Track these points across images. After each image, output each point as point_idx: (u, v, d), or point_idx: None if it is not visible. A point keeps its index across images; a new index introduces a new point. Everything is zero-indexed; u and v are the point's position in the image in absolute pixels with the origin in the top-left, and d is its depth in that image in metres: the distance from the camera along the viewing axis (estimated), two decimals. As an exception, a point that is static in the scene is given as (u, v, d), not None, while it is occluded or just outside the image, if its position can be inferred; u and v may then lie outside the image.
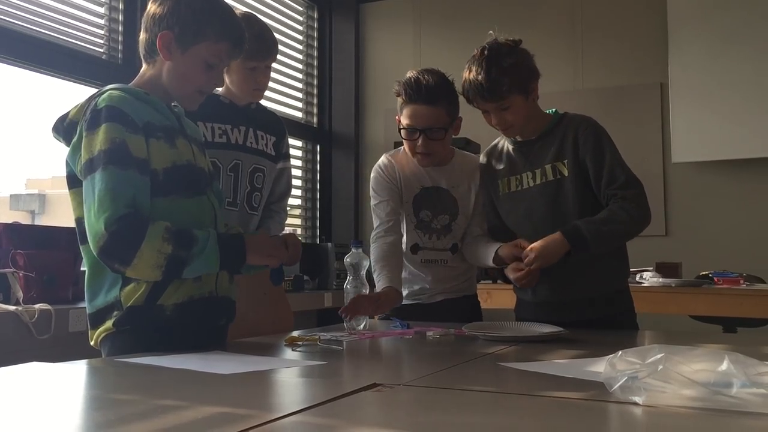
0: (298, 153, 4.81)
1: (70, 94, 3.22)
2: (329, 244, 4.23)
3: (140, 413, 0.98)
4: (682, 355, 0.98)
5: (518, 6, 4.59)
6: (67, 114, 1.66)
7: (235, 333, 1.87)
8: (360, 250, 2.18)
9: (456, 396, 1.11)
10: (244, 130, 2.25)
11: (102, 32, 3.23)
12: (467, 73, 2.03)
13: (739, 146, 3.98)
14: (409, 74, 2.18)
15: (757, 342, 1.97)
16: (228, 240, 1.62)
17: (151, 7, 1.69)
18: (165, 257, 1.51)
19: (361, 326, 1.99)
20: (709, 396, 0.94)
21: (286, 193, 2.48)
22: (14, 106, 3.15)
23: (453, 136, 2.26)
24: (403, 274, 2.22)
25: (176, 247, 1.52)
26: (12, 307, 2.23)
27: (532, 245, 1.99)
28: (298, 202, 4.80)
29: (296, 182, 4.75)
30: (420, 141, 2.16)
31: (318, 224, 4.87)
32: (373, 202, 2.27)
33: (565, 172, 2.05)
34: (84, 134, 1.56)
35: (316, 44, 4.97)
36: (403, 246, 2.26)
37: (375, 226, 2.23)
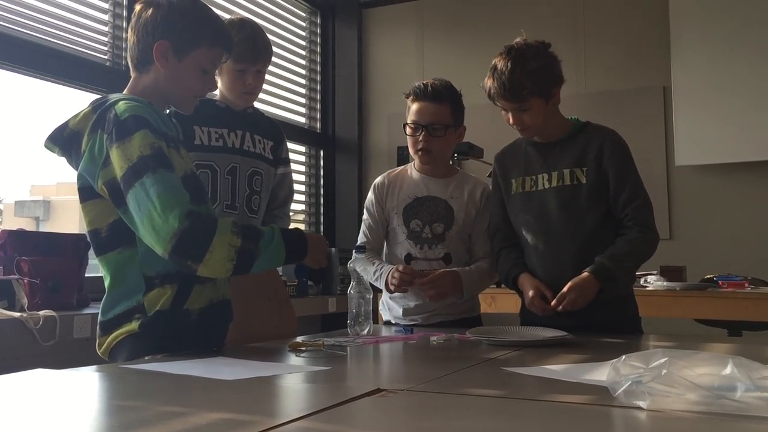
0: (302, 158, 4.81)
1: (74, 101, 3.24)
2: (333, 249, 4.23)
3: (144, 420, 0.98)
4: (685, 359, 0.98)
5: (520, 10, 4.59)
6: (66, 124, 1.64)
7: (240, 338, 1.88)
8: (363, 255, 2.19)
9: (460, 401, 1.11)
10: (240, 134, 2.25)
11: (106, 39, 3.24)
12: (491, 72, 2.05)
13: (742, 149, 3.98)
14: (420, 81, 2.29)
15: (762, 345, 1.97)
16: (292, 235, 1.66)
17: (142, 15, 1.68)
18: (236, 250, 1.50)
19: (365, 331, 1.99)
20: (713, 400, 0.94)
21: (289, 198, 2.49)
22: (19, 113, 3.16)
23: (456, 145, 2.30)
24: (397, 296, 2.25)
25: (245, 241, 1.52)
26: (17, 314, 2.23)
27: (569, 286, 1.97)
28: (302, 207, 4.80)
29: (300, 187, 4.77)
30: (422, 137, 2.22)
31: (322, 229, 4.88)
32: (363, 217, 2.39)
33: (583, 180, 2.06)
34: (114, 145, 1.53)
35: (319, 49, 4.98)
36: (398, 260, 2.29)
37: (358, 241, 2.34)
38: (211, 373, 1.32)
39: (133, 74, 1.73)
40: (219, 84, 2.20)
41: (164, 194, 1.48)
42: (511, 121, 2.09)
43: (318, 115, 4.96)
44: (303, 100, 4.84)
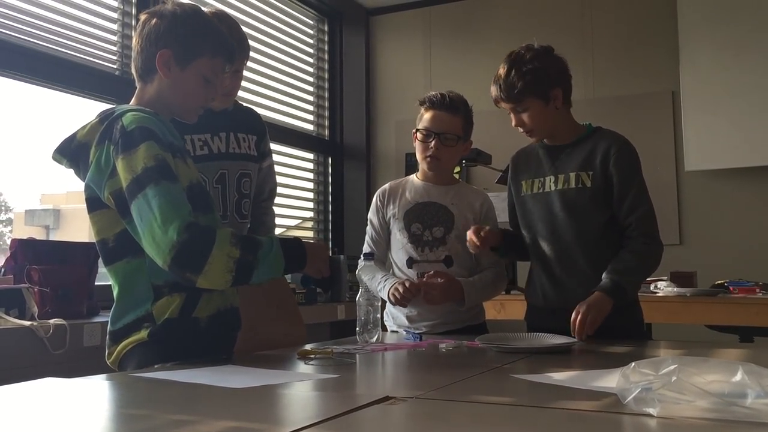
0: (310, 165, 4.83)
1: (84, 110, 3.26)
2: (341, 256, 4.23)
3: (154, 428, 0.98)
4: (695, 366, 0.97)
5: (528, 16, 4.59)
6: (74, 135, 1.65)
7: (248, 346, 1.88)
8: (372, 262, 2.19)
9: (469, 408, 1.10)
10: (224, 136, 2.16)
11: (115, 48, 3.26)
12: (495, 77, 2.10)
13: (752, 153, 3.96)
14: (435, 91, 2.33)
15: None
16: (291, 244, 1.66)
17: (146, 25, 1.70)
18: (234, 261, 1.51)
19: (374, 339, 1.99)
20: (724, 407, 0.93)
21: (275, 189, 2.43)
22: (29, 122, 3.18)
23: (461, 157, 2.32)
24: None
25: (244, 252, 1.53)
26: (27, 322, 2.24)
27: (586, 306, 1.94)
28: (310, 214, 4.81)
29: (308, 194, 4.78)
30: (433, 144, 2.26)
31: (330, 236, 4.89)
32: (367, 227, 2.41)
33: (588, 183, 2.07)
34: (120, 156, 1.55)
35: (326, 57, 5.00)
36: (400, 263, 2.31)
37: (364, 249, 2.36)
38: (220, 382, 1.32)
39: (138, 84, 1.74)
40: None
41: (165, 206, 1.49)
42: (514, 123, 2.12)
43: (326, 122, 4.97)
44: (311, 107, 4.86)
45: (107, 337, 1.66)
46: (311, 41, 4.88)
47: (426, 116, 2.28)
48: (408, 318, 2.29)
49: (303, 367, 1.56)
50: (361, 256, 2.22)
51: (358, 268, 2.25)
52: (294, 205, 4.61)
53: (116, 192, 1.56)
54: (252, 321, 1.85)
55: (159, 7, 1.75)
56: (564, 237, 2.09)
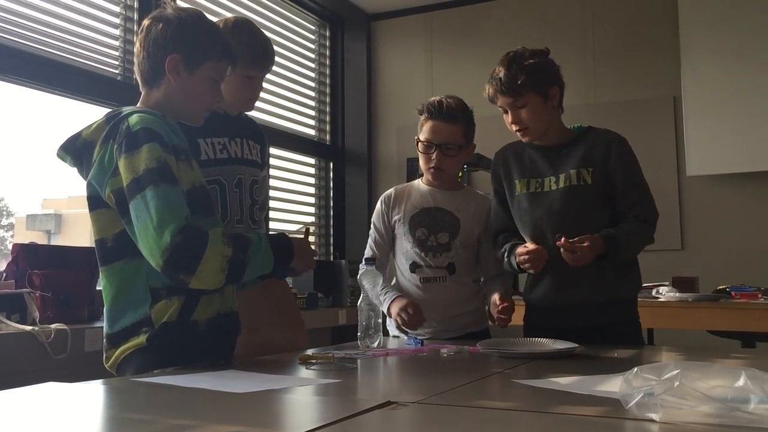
0: (311, 170, 4.83)
1: (86, 115, 3.27)
2: (343, 261, 4.23)
3: (155, 433, 0.98)
4: (698, 371, 0.97)
5: (530, 21, 4.60)
6: (79, 134, 1.67)
7: (250, 350, 1.88)
8: (373, 267, 2.19)
9: (471, 414, 1.10)
10: (239, 141, 2.16)
11: (117, 53, 3.27)
12: (491, 74, 2.11)
13: (754, 158, 3.96)
14: (433, 97, 2.30)
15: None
16: (278, 240, 1.68)
17: (152, 30, 1.70)
18: (227, 261, 1.53)
19: (375, 344, 1.99)
20: (727, 412, 0.93)
21: (267, 201, 2.42)
22: (30, 127, 3.19)
23: (465, 162, 2.30)
24: None
25: (236, 250, 1.55)
26: (28, 327, 2.24)
27: (588, 241, 1.98)
28: (312, 219, 4.81)
29: (309, 199, 4.78)
30: (435, 155, 2.25)
31: (332, 241, 4.89)
32: (370, 231, 2.40)
33: (589, 180, 2.08)
34: (122, 156, 1.56)
35: (328, 62, 5.00)
36: (404, 267, 2.30)
37: (365, 254, 2.34)
38: (220, 386, 1.32)
39: (143, 89, 1.75)
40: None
41: (162, 208, 1.51)
42: (509, 120, 2.11)
43: (327, 127, 4.97)
44: (312, 113, 4.86)
45: (104, 339, 1.66)
46: (313, 46, 4.89)
47: (426, 126, 2.27)
48: None
49: (304, 372, 1.56)
50: (363, 260, 2.22)
51: (359, 272, 2.25)
52: (295, 210, 4.62)
53: (117, 191, 1.58)
54: (255, 325, 1.84)
55: (161, 11, 1.75)
56: (570, 232, 2.07)
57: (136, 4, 3.35)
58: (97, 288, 2.71)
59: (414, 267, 2.28)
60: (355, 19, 5.03)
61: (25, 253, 2.57)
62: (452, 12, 4.86)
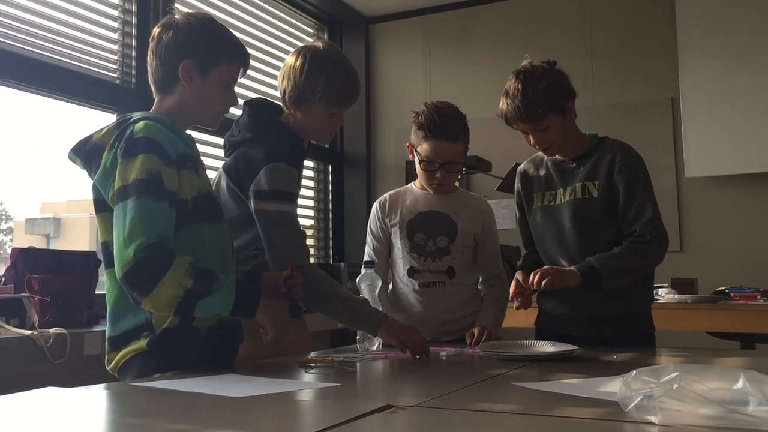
0: (310, 173, 4.83)
1: (84, 119, 3.27)
2: (342, 264, 4.23)
3: (154, 437, 0.98)
4: (697, 373, 0.97)
5: (528, 24, 4.61)
6: (90, 137, 1.68)
7: (252, 353, 1.88)
8: (372, 270, 2.19)
9: (470, 417, 1.10)
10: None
11: (115, 57, 3.27)
12: (504, 98, 2.06)
13: (752, 160, 3.96)
14: (427, 107, 2.21)
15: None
16: (248, 289, 1.62)
17: (162, 37, 1.71)
18: (185, 291, 1.51)
19: (374, 347, 1.98)
20: (726, 414, 0.93)
21: None
22: (29, 131, 3.19)
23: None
24: (401, 316, 2.23)
25: (196, 283, 1.52)
26: (27, 332, 2.24)
27: (553, 268, 2.00)
28: (311, 222, 4.81)
29: (308, 202, 4.78)
30: (439, 174, 2.23)
31: (331, 244, 4.89)
32: (367, 237, 2.37)
33: (594, 193, 2.08)
34: (119, 161, 1.57)
35: (326, 65, 5.00)
36: (401, 273, 2.28)
37: (364, 259, 2.31)
38: (220, 391, 1.32)
39: (156, 96, 1.75)
40: (299, 120, 1.99)
41: (136, 221, 1.50)
42: (532, 141, 2.09)
43: (326, 131, 4.96)
44: (311, 116, 4.86)
45: (106, 342, 1.67)
46: (311, 49, 4.88)
47: (427, 145, 2.19)
48: None
49: (303, 376, 1.56)
50: (363, 264, 2.22)
51: (359, 276, 2.25)
52: (294, 213, 4.61)
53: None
54: (285, 329, 1.85)
55: (170, 18, 1.74)
56: (570, 249, 2.09)
57: (134, 9, 3.35)
58: (97, 292, 2.72)
59: (412, 272, 2.27)
60: (353, 22, 5.04)
61: (24, 258, 2.57)
62: (450, 15, 4.86)
